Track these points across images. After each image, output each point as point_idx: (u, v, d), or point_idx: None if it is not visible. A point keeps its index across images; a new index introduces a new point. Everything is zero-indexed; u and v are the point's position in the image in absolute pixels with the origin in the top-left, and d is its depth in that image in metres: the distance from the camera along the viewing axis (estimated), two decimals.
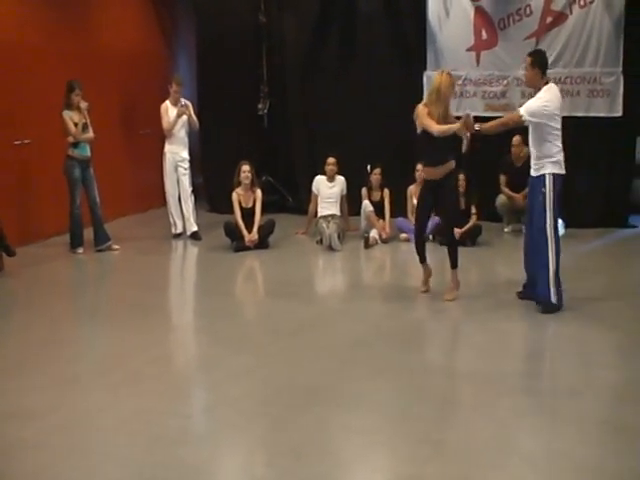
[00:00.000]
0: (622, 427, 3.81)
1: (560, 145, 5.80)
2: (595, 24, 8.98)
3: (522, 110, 5.74)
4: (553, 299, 5.74)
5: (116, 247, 8.22)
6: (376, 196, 8.79)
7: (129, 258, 8.05)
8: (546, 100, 5.74)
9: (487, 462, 3.47)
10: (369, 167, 8.81)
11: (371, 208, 8.61)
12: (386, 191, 8.82)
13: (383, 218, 8.76)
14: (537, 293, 5.87)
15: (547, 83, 5.86)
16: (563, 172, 5.81)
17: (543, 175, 5.77)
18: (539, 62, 5.91)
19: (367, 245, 8.27)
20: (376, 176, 8.76)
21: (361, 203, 8.74)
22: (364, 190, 8.79)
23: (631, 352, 4.97)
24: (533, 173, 5.89)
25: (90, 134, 8.00)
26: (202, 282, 7.52)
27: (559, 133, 5.80)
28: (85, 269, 7.84)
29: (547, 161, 5.77)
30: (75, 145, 7.91)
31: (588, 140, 9.32)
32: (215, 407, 4.18)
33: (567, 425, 3.85)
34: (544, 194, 5.75)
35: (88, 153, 8.05)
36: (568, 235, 9.08)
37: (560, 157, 5.80)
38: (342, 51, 10.18)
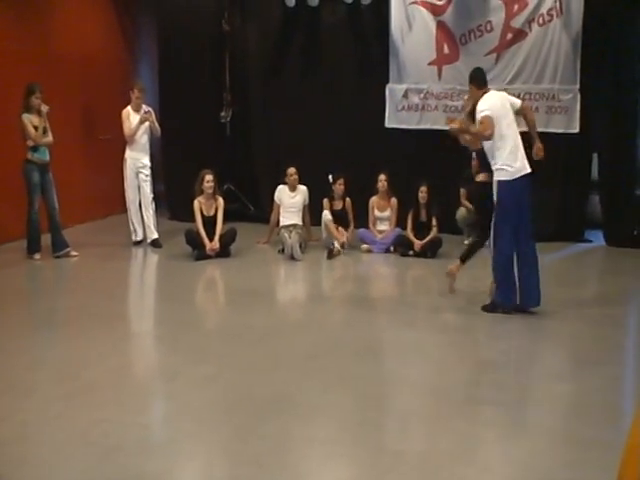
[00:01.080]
0: (577, 438, 3.88)
1: (507, 150, 5.98)
2: (553, 42, 9.17)
3: (479, 115, 5.94)
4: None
5: (75, 254, 8.10)
6: (338, 205, 8.84)
7: (88, 265, 7.94)
8: (483, 109, 5.94)
9: (446, 472, 3.51)
10: (331, 177, 8.85)
11: (330, 217, 8.64)
12: (348, 200, 8.88)
13: (345, 228, 8.80)
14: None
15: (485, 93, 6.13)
16: (510, 178, 5.95)
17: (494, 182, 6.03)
18: (471, 77, 6.31)
19: (330, 256, 8.28)
20: (340, 186, 8.81)
21: (322, 212, 8.78)
22: (325, 200, 8.83)
23: (585, 364, 5.06)
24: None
25: (50, 138, 7.89)
26: (162, 290, 7.45)
27: (506, 139, 5.99)
28: (42, 276, 7.71)
29: (495, 168, 6.03)
30: (34, 149, 7.79)
31: (546, 155, 9.48)
32: (175, 416, 4.15)
33: (525, 436, 3.91)
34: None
35: (47, 157, 7.93)
36: None
37: (507, 163, 5.96)
38: (305, 61, 10.23)
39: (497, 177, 6.00)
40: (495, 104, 6.03)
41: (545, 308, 6.41)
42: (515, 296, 6.08)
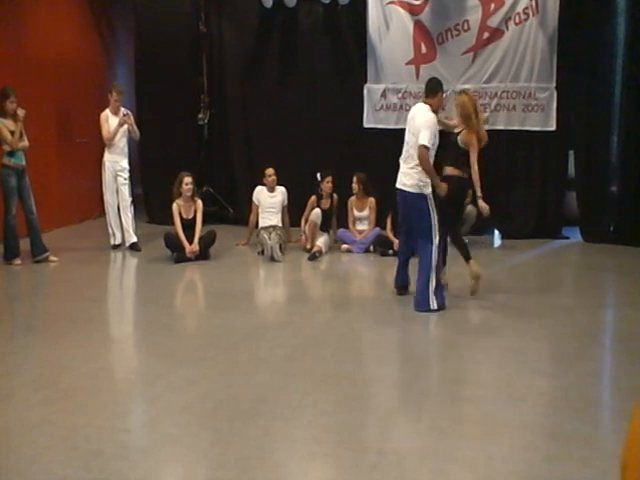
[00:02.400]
0: (557, 433, 3.91)
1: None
2: (530, 41, 9.25)
3: (425, 142, 6.08)
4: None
5: (54, 258, 8.04)
6: (325, 204, 8.81)
7: (67, 269, 7.88)
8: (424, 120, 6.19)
9: (429, 469, 3.52)
10: (319, 175, 8.83)
11: (319, 218, 8.58)
12: (336, 198, 8.90)
13: (327, 230, 8.81)
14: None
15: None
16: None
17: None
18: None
19: (311, 257, 8.25)
20: (328, 184, 8.78)
21: (303, 211, 8.76)
22: (313, 198, 8.80)
23: (564, 360, 5.11)
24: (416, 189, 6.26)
25: (26, 142, 7.82)
26: (142, 294, 7.40)
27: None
28: (21, 281, 7.64)
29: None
30: (10, 154, 7.72)
31: (523, 153, 9.60)
32: (155, 421, 4.12)
33: (505, 432, 3.93)
34: None
35: (24, 162, 7.86)
36: (503, 246, 9.34)
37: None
38: (283, 62, 10.22)
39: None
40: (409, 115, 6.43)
41: (524, 304, 6.47)
42: None
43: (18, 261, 7.85)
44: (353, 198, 8.87)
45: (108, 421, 4.05)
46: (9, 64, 8.77)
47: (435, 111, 6.25)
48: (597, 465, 3.54)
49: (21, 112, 7.72)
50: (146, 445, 3.85)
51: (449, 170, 6.54)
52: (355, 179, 8.74)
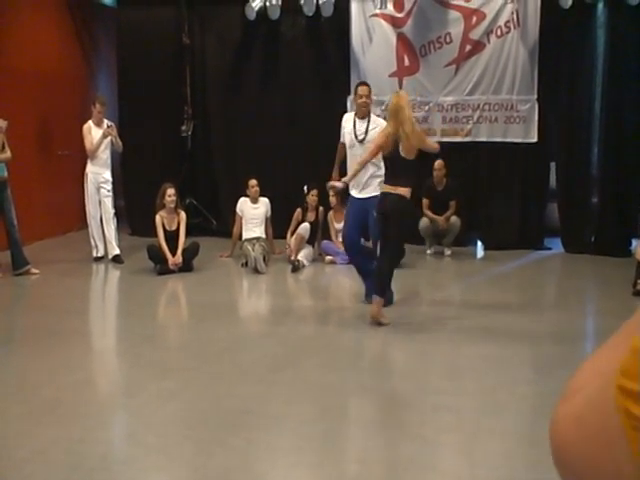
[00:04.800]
0: (540, 440, 3.89)
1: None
2: (511, 53, 9.33)
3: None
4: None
5: (35, 271, 7.96)
6: (311, 217, 8.80)
7: (49, 282, 7.81)
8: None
9: (413, 478, 3.51)
10: (306, 187, 8.82)
11: (307, 232, 8.57)
12: (321, 210, 8.89)
13: (312, 243, 8.80)
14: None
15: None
16: None
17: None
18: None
19: (294, 269, 8.24)
20: (313, 197, 8.78)
21: (287, 222, 8.76)
22: (298, 210, 8.79)
23: (545, 368, 5.12)
24: (371, 193, 6.44)
25: (8, 154, 7.76)
26: (124, 306, 7.36)
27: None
28: (2, 293, 7.55)
29: (379, 181, 6.37)
30: None
31: (505, 165, 9.67)
32: (137, 432, 4.09)
33: (489, 440, 3.93)
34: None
35: (5, 174, 7.79)
36: (485, 257, 9.38)
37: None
38: (266, 74, 10.24)
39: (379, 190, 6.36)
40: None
41: (506, 314, 6.49)
42: None
43: None
44: (331, 212, 8.90)
45: (89, 433, 4.01)
46: None
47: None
48: None
49: (2, 123, 7.67)
50: (128, 457, 3.82)
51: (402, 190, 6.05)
52: (330, 192, 8.71)
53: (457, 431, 4.09)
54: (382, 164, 6.26)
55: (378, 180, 6.46)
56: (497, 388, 4.71)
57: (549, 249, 9.52)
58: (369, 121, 6.68)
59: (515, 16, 9.24)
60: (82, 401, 4.51)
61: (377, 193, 6.35)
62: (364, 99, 6.71)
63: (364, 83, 7.01)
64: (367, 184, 6.61)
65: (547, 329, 6.07)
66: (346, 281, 8.22)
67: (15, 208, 7.89)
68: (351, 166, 6.56)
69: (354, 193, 6.72)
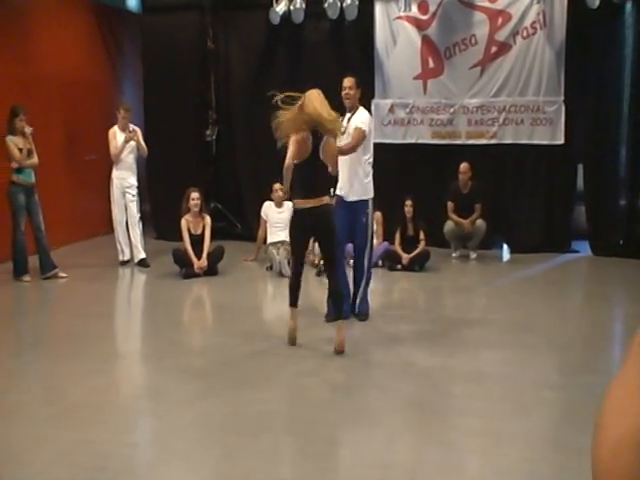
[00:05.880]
0: (565, 446, 3.85)
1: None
2: (537, 55, 9.24)
3: (363, 127, 6.18)
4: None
5: (63, 275, 8.03)
6: None
7: (76, 286, 7.88)
8: (364, 119, 6.27)
9: None
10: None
11: None
12: None
13: None
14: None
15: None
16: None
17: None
18: (361, 84, 6.48)
19: (319, 272, 8.21)
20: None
21: None
22: None
23: (571, 373, 5.06)
24: (356, 197, 6.32)
25: (35, 160, 7.86)
26: (150, 310, 7.40)
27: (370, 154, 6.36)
28: (30, 297, 7.65)
29: (368, 182, 6.33)
30: (19, 171, 7.75)
31: (531, 167, 9.57)
32: (162, 436, 4.10)
33: (512, 445, 3.88)
34: (367, 215, 6.28)
35: (33, 179, 7.89)
36: (511, 260, 9.29)
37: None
38: (289, 78, 10.19)
39: (371, 195, 6.34)
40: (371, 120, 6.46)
41: (532, 317, 6.41)
42: None
43: (27, 278, 7.85)
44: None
45: (114, 436, 4.02)
46: (17, 82, 8.82)
47: None
48: None
49: (28, 129, 7.76)
50: (153, 460, 3.83)
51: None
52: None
53: (482, 436, 4.04)
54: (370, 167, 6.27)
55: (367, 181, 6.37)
56: (522, 393, 4.66)
57: (577, 252, 9.40)
58: (354, 114, 6.43)
59: (541, 17, 9.16)
60: (107, 404, 4.53)
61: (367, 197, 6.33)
62: (346, 90, 6.47)
63: (349, 74, 6.67)
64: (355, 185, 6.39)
65: (574, 333, 5.99)
66: (371, 284, 8.17)
67: (43, 213, 7.98)
68: (342, 166, 6.35)
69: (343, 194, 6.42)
